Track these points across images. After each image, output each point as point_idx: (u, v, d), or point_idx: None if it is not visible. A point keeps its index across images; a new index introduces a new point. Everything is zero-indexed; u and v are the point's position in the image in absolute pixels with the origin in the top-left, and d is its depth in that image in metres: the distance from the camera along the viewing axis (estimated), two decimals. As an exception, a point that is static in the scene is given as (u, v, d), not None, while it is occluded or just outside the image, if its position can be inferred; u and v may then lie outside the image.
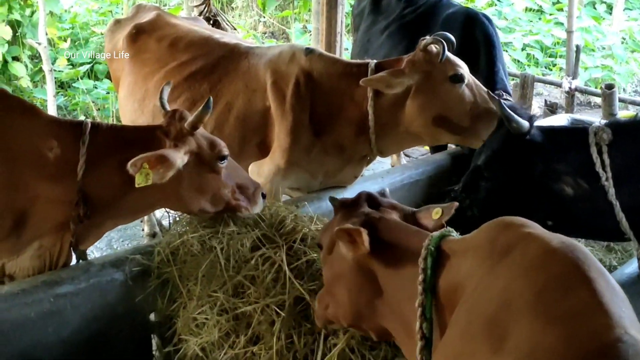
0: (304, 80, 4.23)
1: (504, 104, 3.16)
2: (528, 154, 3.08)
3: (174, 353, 3.36)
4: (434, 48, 3.95)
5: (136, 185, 3.11)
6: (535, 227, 1.99)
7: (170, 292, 3.43)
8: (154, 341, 3.63)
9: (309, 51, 4.34)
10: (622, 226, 3.00)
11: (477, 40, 5.18)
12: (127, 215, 3.54)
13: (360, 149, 4.34)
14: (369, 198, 2.63)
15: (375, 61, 4.25)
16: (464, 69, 4.02)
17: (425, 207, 2.67)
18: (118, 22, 5.37)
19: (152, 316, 3.54)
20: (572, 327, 1.62)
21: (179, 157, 3.20)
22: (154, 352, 3.63)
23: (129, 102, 4.87)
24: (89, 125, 3.28)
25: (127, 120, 4.99)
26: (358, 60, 4.38)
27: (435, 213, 2.56)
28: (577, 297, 1.68)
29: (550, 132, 3.20)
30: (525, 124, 3.05)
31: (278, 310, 3.14)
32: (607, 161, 2.96)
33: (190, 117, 3.30)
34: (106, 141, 3.29)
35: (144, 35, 4.94)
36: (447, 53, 3.92)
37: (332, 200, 2.90)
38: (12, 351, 3.09)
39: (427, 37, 3.99)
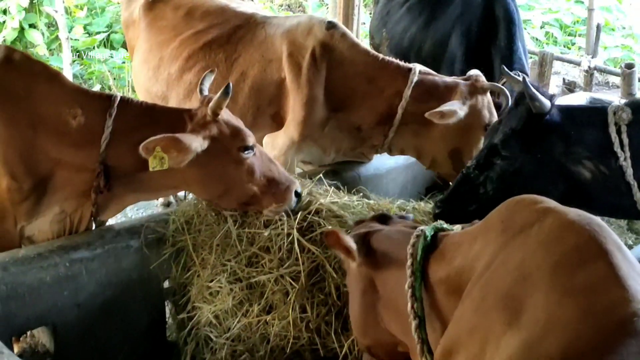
0: (321, 54, 4.19)
1: (529, 82, 3.12)
2: (548, 133, 3.05)
3: (188, 320, 3.40)
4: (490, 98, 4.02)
5: (150, 169, 3.09)
6: (549, 202, 1.98)
7: (185, 261, 3.45)
8: (168, 308, 3.66)
9: (330, 25, 4.27)
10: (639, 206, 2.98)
11: (498, 16, 5.11)
12: (149, 192, 3.55)
13: (375, 138, 4.33)
14: (382, 217, 2.70)
15: (419, 68, 4.19)
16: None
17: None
18: (134, -9, 5.33)
19: (166, 283, 3.56)
20: (588, 300, 1.62)
21: (196, 142, 3.13)
22: (167, 319, 3.65)
23: (143, 70, 4.87)
24: (118, 98, 3.27)
25: (140, 88, 4.98)
26: (397, 61, 4.30)
27: None
28: (594, 269, 1.68)
29: (569, 112, 3.15)
30: (548, 103, 3.02)
31: (292, 281, 3.15)
32: (625, 141, 2.93)
33: (211, 103, 3.24)
34: (134, 117, 3.29)
35: (160, 3, 4.92)
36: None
37: (355, 224, 2.94)
38: (27, 314, 3.13)
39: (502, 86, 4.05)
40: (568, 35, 12.94)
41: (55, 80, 3.33)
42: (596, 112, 3.09)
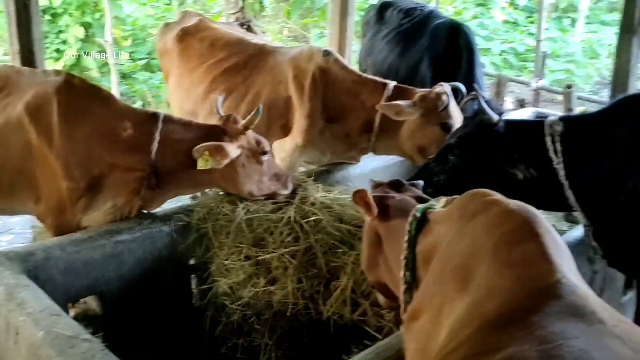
0: (320, 76, 4.27)
1: (482, 98, 3.18)
2: (492, 141, 3.10)
3: (208, 291, 3.46)
4: (444, 98, 3.93)
5: (197, 168, 3.28)
6: (497, 195, 2.02)
7: (206, 244, 3.50)
8: (193, 281, 3.71)
9: (326, 53, 4.36)
10: (570, 202, 3.02)
11: (460, 47, 5.13)
12: (189, 188, 3.70)
13: (361, 142, 4.37)
14: (395, 183, 2.67)
15: (394, 83, 4.23)
16: (455, 121, 3.97)
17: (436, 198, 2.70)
18: (167, 25, 5.37)
19: (191, 261, 3.61)
20: (521, 271, 1.66)
21: (233, 149, 3.34)
22: (193, 289, 3.71)
23: (177, 91, 4.91)
24: (162, 115, 3.41)
25: (175, 105, 5.01)
26: (377, 78, 4.36)
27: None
28: (527, 247, 1.72)
29: (514, 125, 3.19)
30: (495, 117, 3.07)
31: (291, 259, 3.21)
32: (559, 148, 2.96)
33: (244, 121, 3.46)
34: (176, 130, 3.41)
35: (189, 36, 4.95)
36: (451, 104, 3.95)
37: (371, 181, 2.96)
38: (81, 284, 3.19)
39: (444, 84, 3.98)
40: (521, 61, 12.98)
41: (108, 100, 3.41)
42: (536, 126, 3.11)
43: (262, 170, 3.52)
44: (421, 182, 2.79)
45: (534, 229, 1.77)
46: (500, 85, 7.92)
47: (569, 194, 3.01)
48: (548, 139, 3.00)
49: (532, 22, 14.35)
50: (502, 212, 1.87)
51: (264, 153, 3.52)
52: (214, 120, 4.56)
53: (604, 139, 2.95)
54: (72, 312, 3.44)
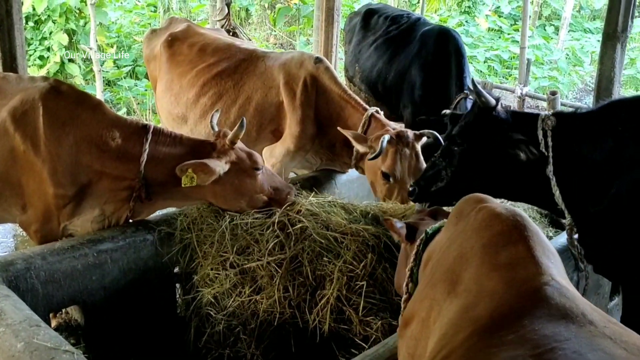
0: (311, 82, 4.27)
1: (478, 86, 3.19)
2: (492, 125, 3.08)
3: (192, 301, 3.40)
4: (379, 145, 3.77)
5: (182, 186, 3.22)
6: (489, 200, 2.02)
7: (190, 254, 3.45)
8: (178, 290, 3.64)
9: (318, 60, 4.36)
10: (556, 198, 3.01)
11: (449, 51, 5.14)
12: (179, 201, 3.60)
13: (344, 156, 4.36)
14: (434, 211, 2.75)
15: (373, 110, 4.18)
16: (397, 172, 3.86)
17: None
18: (154, 32, 5.34)
19: (176, 270, 3.55)
20: (509, 274, 1.66)
21: (219, 166, 3.27)
22: (177, 298, 3.64)
23: (166, 96, 4.87)
24: (152, 127, 3.36)
25: (164, 110, 4.97)
26: (360, 101, 4.31)
27: None
28: (515, 250, 1.72)
29: (512, 113, 3.18)
30: (492, 100, 3.07)
31: (277, 267, 3.17)
32: (550, 143, 2.96)
33: (229, 135, 3.37)
34: (166, 143, 3.37)
35: (178, 42, 4.93)
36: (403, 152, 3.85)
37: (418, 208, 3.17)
38: (63, 295, 3.12)
39: (385, 137, 3.79)
40: (506, 68, 13.06)
41: (97, 108, 3.35)
42: (531, 117, 3.11)
43: (256, 185, 3.43)
44: None
45: (522, 232, 1.77)
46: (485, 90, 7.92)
47: (555, 190, 3.00)
48: (540, 133, 2.99)
49: (516, 30, 14.48)
50: (491, 215, 1.87)
51: (257, 168, 3.42)
52: (204, 125, 4.56)
53: (592, 140, 2.94)
54: (53, 323, 3.38)
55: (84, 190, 3.30)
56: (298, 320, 3.13)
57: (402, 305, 2.23)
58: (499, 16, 15.65)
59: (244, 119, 3.40)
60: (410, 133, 3.88)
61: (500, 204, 1.94)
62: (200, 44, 4.85)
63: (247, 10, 14.19)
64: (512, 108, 3.63)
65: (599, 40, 13.30)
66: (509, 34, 14.64)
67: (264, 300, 3.14)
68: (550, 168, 2.94)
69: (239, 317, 3.21)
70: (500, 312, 1.56)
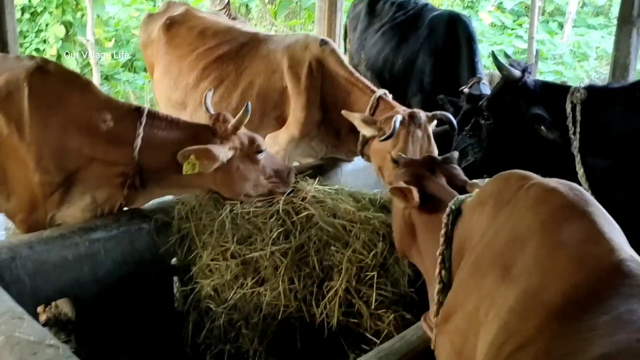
0: (316, 66, 4.07)
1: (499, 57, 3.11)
2: (518, 97, 2.98)
3: (190, 293, 3.20)
4: (391, 125, 3.49)
5: (183, 173, 3.00)
6: (533, 176, 1.82)
7: (189, 245, 3.24)
8: (175, 284, 3.44)
9: (323, 42, 4.15)
10: (579, 177, 2.84)
11: (460, 36, 4.97)
12: (177, 189, 3.36)
13: (350, 143, 4.13)
14: (429, 161, 2.46)
15: (382, 92, 3.92)
16: (410, 153, 3.53)
17: (473, 181, 2.44)
18: (151, 16, 5.14)
19: (174, 260, 3.34)
20: (578, 252, 1.48)
21: (223, 152, 3.07)
22: (175, 291, 3.44)
23: (164, 81, 4.66)
24: (146, 110, 3.14)
25: (162, 96, 4.75)
26: (368, 83, 4.05)
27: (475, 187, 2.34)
28: (579, 226, 1.54)
29: (542, 85, 3.07)
30: (516, 72, 2.99)
31: (282, 257, 2.96)
32: (578, 117, 2.80)
33: (233, 120, 3.17)
34: (162, 127, 3.16)
35: (177, 25, 4.73)
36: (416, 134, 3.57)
37: (399, 157, 2.80)
38: (52, 288, 2.92)
39: (397, 117, 3.51)
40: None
41: (86, 88, 3.13)
42: (561, 90, 2.98)
43: (259, 170, 3.25)
44: (456, 155, 2.58)
45: (584, 207, 1.59)
46: (492, 83, 7.74)
47: (579, 168, 2.84)
48: (568, 106, 2.84)
49: (519, 25, 14.30)
50: (545, 190, 1.68)
51: (260, 152, 3.24)
52: (203, 112, 4.35)
53: (623, 117, 2.76)
54: (43, 317, 3.18)
55: (72, 176, 3.09)
56: (304, 313, 2.93)
57: (436, 297, 2.01)
58: (502, 12, 15.47)
59: (249, 103, 3.19)
60: (422, 114, 3.66)
61: (550, 179, 1.75)
62: (200, 27, 4.64)
63: (247, 6, 14.03)
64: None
65: (603, 37, 13.17)
66: (512, 29, 14.47)
67: (268, 292, 2.93)
68: (575, 144, 2.77)
69: (241, 310, 3.01)
70: (576, 294, 1.39)
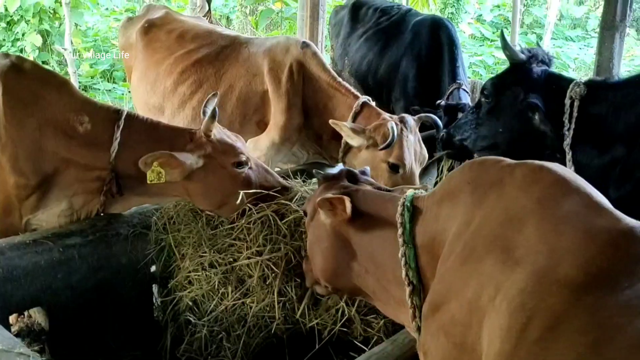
0: (297, 69, 3.99)
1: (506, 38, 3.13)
2: (520, 80, 2.95)
3: (170, 304, 3.04)
4: (389, 134, 3.42)
5: (148, 182, 2.79)
6: (506, 159, 1.75)
7: (167, 256, 3.10)
8: (155, 290, 3.28)
9: (305, 44, 4.08)
10: None
11: (442, 41, 4.95)
12: (153, 197, 3.17)
13: (332, 149, 4.05)
14: (348, 174, 2.35)
15: (365, 99, 3.85)
16: (407, 161, 3.53)
17: (398, 187, 2.35)
18: (130, 20, 5.05)
19: (153, 268, 3.19)
20: (584, 223, 1.42)
21: (190, 160, 2.83)
22: (155, 301, 3.28)
23: (142, 85, 4.55)
24: (125, 112, 2.97)
25: (140, 100, 4.62)
26: (351, 88, 3.99)
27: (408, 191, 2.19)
28: (576, 199, 1.49)
29: (549, 74, 3.01)
30: (520, 55, 2.96)
31: (273, 266, 2.79)
32: (575, 114, 2.73)
33: (202, 126, 2.92)
34: (140, 131, 2.97)
35: (155, 28, 4.63)
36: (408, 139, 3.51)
37: (317, 173, 2.60)
38: (23, 295, 2.75)
39: (392, 124, 3.46)
40: (490, 73, 12.97)
41: (63, 88, 2.98)
42: (565, 81, 2.92)
43: (239, 182, 2.93)
44: (368, 170, 2.50)
45: (575, 181, 1.56)
46: (474, 91, 7.76)
47: (570, 166, 2.79)
48: (567, 101, 2.79)
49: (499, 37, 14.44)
50: (533, 169, 1.63)
51: (239, 164, 2.93)
52: (182, 116, 4.22)
53: (620, 114, 2.70)
54: (15, 327, 3.00)
55: (49, 180, 2.94)
56: (293, 325, 2.78)
57: (408, 300, 1.88)
58: (482, 23, 15.62)
59: (217, 109, 2.95)
60: (410, 119, 3.58)
61: (530, 160, 1.69)
62: (179, 31, 4.55)
63: (227, 17, 13.97)
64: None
65: (580, 48, 13.32)
66: (492, 41, 14.60)
67: (254, 304, 2.76)
68: (568, 141, 2.71)
69: (223, 322, 2.84)
70: (593, 266, 1.33)
